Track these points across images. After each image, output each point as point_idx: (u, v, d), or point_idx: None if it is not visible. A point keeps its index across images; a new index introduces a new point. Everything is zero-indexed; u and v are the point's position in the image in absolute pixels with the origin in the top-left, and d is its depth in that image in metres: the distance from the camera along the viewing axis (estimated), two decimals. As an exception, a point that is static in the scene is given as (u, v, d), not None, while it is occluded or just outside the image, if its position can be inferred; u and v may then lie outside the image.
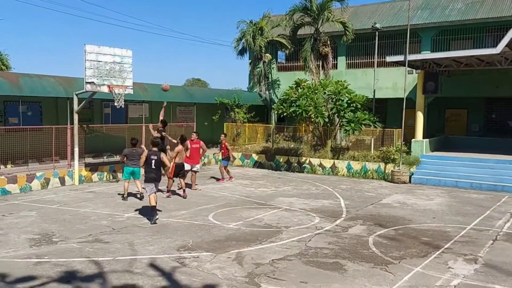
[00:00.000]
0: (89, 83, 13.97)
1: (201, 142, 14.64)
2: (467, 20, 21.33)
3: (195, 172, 14.54)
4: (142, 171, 11.25)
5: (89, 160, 16.90)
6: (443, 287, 6.67)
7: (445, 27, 21.95)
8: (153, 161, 10.51)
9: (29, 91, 15.51)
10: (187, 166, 14.02)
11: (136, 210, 11.46)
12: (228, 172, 16.66)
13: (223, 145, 16.46)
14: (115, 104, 14.69)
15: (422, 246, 8.73)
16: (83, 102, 15.07)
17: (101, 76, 14.13)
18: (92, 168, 16.09)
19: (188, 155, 13.98)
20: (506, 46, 15.31)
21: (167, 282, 6.69)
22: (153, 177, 10.51)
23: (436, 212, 11.85)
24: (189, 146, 14.02)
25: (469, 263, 7.76)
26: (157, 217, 10.32)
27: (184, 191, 13.37)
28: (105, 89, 14.34)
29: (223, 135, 17.03)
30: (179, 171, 13.49)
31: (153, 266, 7.36)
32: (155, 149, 10.72)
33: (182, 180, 13.58)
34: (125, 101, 15.10)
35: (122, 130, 18.78)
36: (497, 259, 7.98)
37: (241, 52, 26.59)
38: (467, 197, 14.12)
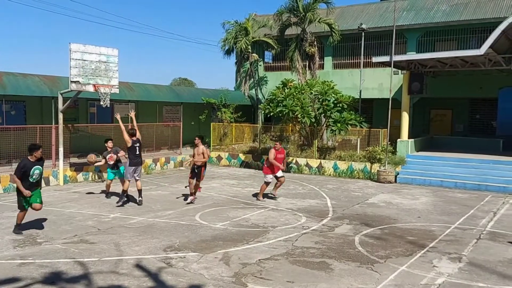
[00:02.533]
0: (74, 82, 13.84)
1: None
2: (451, 22, 21.62)
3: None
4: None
5: (74, 160, 16.72)
6: (428, 286, 6.75)
7: (430, 28, 22.21)
8: (138, 148, 11.92)
9: (13, 90, 15.28)
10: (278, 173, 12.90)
11: (119, 207, 11.39)
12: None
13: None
14: (101, 103, 14.57)
15: (407, 245, 8.81)
16: (68, 101, 14.91)
17: (86, 75, 14.00)
18: (77, 168, 15.92)
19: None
20: (489, 47, 15.55)
21: (153, 282, 6.65)
22: (139, 161, 12.04)
23: (421, 212, 11.98)
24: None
25: (454, 262, 7.86)
26: (125, 199, 11.81)
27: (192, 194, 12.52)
28: (90, 88, 14.21)
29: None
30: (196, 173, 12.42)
31: (139, 266, 7.31)
32: (135, 138, 11.99)
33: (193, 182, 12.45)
34: (111, 100, 14.98)
35: (107, 129, 18.61)
36: (480, 258, 8.09)
37: (228, 52, 26.53)
38: (452, 196, 14.30)
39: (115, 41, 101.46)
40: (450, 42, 21.92)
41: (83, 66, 13.92)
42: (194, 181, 12.36)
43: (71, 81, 13.80)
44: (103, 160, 12.89)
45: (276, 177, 13.01)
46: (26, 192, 8.79)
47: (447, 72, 19.66)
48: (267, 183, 13.06)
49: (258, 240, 8.95)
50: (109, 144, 13.06)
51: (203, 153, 12.25)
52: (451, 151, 19.07)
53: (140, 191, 12.20)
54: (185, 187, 13.77)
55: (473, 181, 15.69)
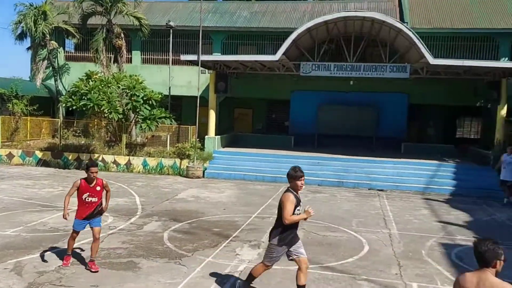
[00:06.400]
0: None
1: None
2: (251, 28, 23.41)
3: None
4: None
5: None
6: (231, 273, 7.18)
7: (233, 32, 23.62)
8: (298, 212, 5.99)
9: None
10: None
11: None
12: None
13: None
14: None
15: (213, 237, 9.21)
16: None
17: None
18: None
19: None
20: (283, 54, 17.40)
21: None
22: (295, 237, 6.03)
23: (226, 204, 12.68)
24: None
25: (254, 249, 8.54)
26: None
27: None
28: None
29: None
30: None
31: None
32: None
33: None
34: None
35: None
36: (276, 242, 8.98)
37: (21, 37, 23.47)
38: (253, 188, 15.53)
39: None
40: (251, 46, 23.72)
41: None
42: None
43: None
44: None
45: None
46: None
47: (249, 74, 21.27)
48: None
49: (57, 245, 8.19)
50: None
51: None
52: (253, 147, 20.70)
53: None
54: None
55: (270, 174, 17.30)
